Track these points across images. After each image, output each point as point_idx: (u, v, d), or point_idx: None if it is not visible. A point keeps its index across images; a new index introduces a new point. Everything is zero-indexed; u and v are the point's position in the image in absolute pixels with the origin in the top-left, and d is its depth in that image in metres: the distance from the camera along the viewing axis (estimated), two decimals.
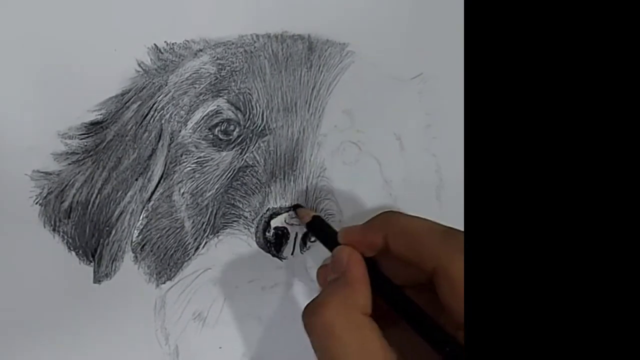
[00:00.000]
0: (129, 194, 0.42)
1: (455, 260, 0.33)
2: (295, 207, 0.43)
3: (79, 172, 0.42)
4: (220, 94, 0.43)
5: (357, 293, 0.36)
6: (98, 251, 0.42)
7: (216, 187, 0.43)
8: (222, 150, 0.43)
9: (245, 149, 0.44)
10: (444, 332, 0.33)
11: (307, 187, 0.44)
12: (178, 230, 0.43)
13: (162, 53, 0.42)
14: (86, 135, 0.41)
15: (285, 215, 0.43)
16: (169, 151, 0.43)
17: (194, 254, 0.43)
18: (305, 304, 0.35)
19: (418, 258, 0.35)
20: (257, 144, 0.44)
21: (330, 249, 0.40)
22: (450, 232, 0.35)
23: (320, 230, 0.41)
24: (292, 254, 0.44)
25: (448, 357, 0.33)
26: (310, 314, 0.35)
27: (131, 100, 0.42)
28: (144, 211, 0.43)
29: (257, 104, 0.43)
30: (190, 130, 0.43)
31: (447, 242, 0.34)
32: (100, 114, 0.42)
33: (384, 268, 0.38)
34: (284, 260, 0.44)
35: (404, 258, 0.36)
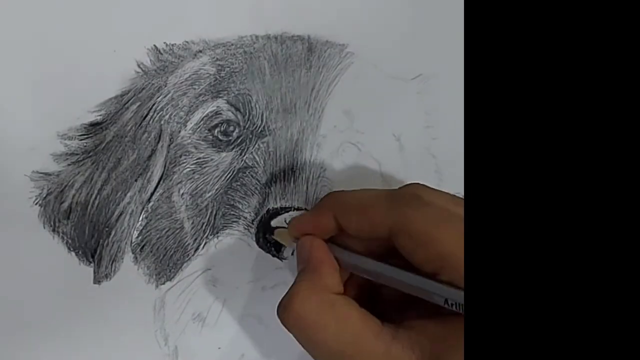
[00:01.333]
0: (129, 194, 0.42)
1: (407, 216, 0.33)
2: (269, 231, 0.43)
3: (78, 173, 0.42)
4: (220, 95, 0.43)
5: (323, 275, 0.36)
6: (98, 252, 0.42)
7: (216, 187, 0.43)
8: (222, 151, 0.43)
9: (245, 149, 0.44)
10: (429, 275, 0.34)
11: (306, 187, 0.44)
12: (178, 231, 0.43)
13: (161, 54, 0.42)
14: (86, 136, 0.41)
15: (285, 215, 0.43)
16: (168, 152, 0.43)
17: (193, 255, 0.44)
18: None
19: (371, 228, 0.35)
20: (256, 145, 0.44)
21: None
22: (394, 194, 0.36)
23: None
24: (292, 254, 0.44)
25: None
26: (283, 309, 0.35)
27: (130, 101, 0.42)
28: (143, 212, 0.43)
29: (257, 105, 0.43)
30: (190, 131, 0.43)
31: (395, 204, 0.34)
32: (100, 115, 0.42)
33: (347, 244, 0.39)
34: (283, 260, 0.44)
35: (359, 233, 0.36)
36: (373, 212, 0.36)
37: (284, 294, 0.36)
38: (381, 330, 0.34)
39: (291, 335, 0.36)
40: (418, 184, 0.37)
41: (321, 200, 0.40)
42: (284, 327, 0.36)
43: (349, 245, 0.39)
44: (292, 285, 0.36)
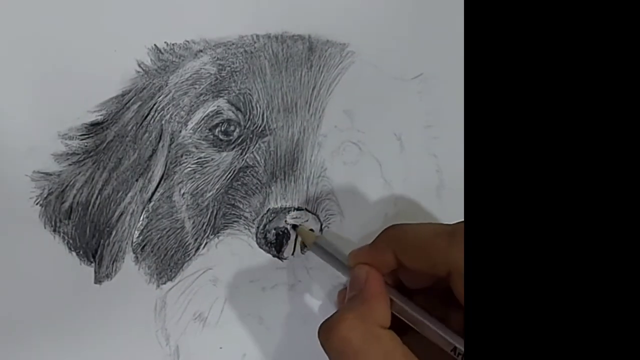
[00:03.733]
0: (130, 194, 0.42)
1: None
2: (294, 227, 0.43)
3: (79, 173, 0.42)
4: (221, 95, 0.43)
5: (375, 308, 0.36)
6: (99, 252, 0.42)
7: (216, 187, 0.43)
8: (223, 151, 0.43)
9: (246, 149, 0.44)
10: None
11: (307, 187, 0.44)
12: (178, 230, 0.43)
13: (162, 53, 0.42)
14: (86, 136, 0.41)
15: (286, 215, 0.43)
16: (169, 152, 0.43)
17: (194, 255, 0.43)
18: (322, 320, 0.36)
19: (431, 267, 0.35)
20: (257, 145, 0.44)
21: (338, 269, 0.40)
22: (456, 231, 0.35)
23: (325, 252, 0.41)
24: (292, 254, 0.44)
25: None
26: (327, 330, 0.35)
27: (131, 101, 0.42)
28: (144, 212, 0.43)
29: (258, 105, 0.43)
30: (191, 131, 0.43)
31: (455, 243, 0.34)
32: (101, 115, 0.42)
33: (402, 277, 0.39)
34: (284, 260, 0.44)
35: (418, 270, 0.36)
36: (433, 250, 0.35)
37: (330, 315, 0.36)
38: None
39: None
40: None
41: (381, 234, 0.39)
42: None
43: (407, 279, 0.39)
44: (340, 310, 0.36)
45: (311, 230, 0.43)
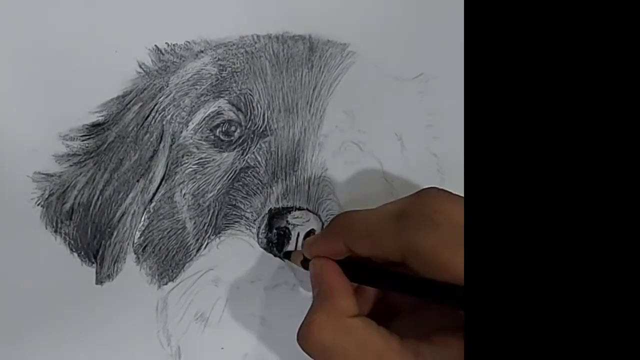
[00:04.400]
0: (131, 195, 0.42)
1: (416, 240, 0.33)
2: (285, 256, 0.43)
3: (80, 174, 0.42)
4: (222, 95, 0.43)
5: (337, 299, 0.36)
6: (100, 252, 0.42)
7: (218, 188, 0.43)
8: (224, 151, 0.44)
9: (247, 149, 0.44)
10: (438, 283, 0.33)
11: (308, 187, 0.44)
12: (180, 231, 0.43)
13: (163, 54, 0.42)
14: (87, 137, 0.42)
15: (287, 215, 0.43)
16: (170, 152, 0.43)
17: (195, 255, 0.43)
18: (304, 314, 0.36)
19: (383, 254, 0.35)
20: (258, 145, 0.44)
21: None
22: (402, 214, 0.35)
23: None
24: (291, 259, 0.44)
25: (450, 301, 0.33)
26: (302, 337, 0.35)
27: (132, 102, 0.42)
28: (145, 212, 0.43)
29: (258, 105, 0.43)
30: (192, 132, 0.43)
31: (404, 226, 0.34)
32: (102, 116, 0.42)
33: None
34: (286, 260, 0.44)
35: (369, 256, 0.36)
36: (382, 237, 0.35)
37: (302, 322, 0.36)
38: (403, 348, 0.34)
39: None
40: (432, 190, 0.36)
41: (331, 223, 0.39)
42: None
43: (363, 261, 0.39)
44: (308, 312, 0.36)
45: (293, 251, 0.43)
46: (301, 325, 0.36)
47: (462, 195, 0.34)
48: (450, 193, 0.35)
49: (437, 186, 0.36)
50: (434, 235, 0.33)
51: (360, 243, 0.36)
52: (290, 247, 0.44)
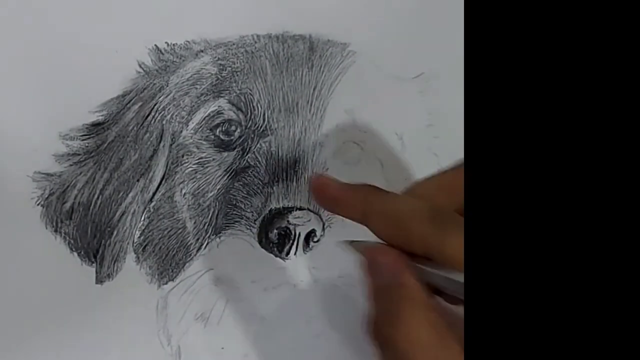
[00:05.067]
0: (131, 194, 0.42)
1: (446, 242, 0.32)
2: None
3: (80, 173, 0.42)
4: (222, 95, 0.43)
5: (422, 293, 0.35)
6: (100, 252, 0.42)
7: (218, 187, 0.43)
8: (224, 151, 0.43)
9: (247, 149, 0.44)
10: None
11: (309, 187, 0.44)
12: (180, 230, 0.43)
13: (163, 54, 0.42)
14: (87, 137, 0.42)
15: (288, 215, 0.43)
16: (170, 152, 0.43)
17: (195, 255, 0.43)
18: (369, 319, 0.34)
19: (404, 242, 0.34)
20: (258, 145, 0.44)
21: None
22: (437, 213, 0.33)
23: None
24: (294, 254, 0.44)
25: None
26: (383, 330, 0.33)
27: (132, 101, 0.42)
28: (145, 212, 0.43)
29: (259, 105, 0.43)
30: (192, 131, 0.43)
31: (436, 225, 0.33)
32: (102, 115, 0.42)
33: None
34: (286, 260, 0.44)
35: (387, 239, 0.35)
36: (412, 229, 0.33)
37: (375, 312, 0.34)
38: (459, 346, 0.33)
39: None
40: None
41: (355, 188, 0.37)
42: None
43: None
44: (386, 304, 0.34)
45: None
46: (378, 319, 0.34)
47: None
48: None
49: None
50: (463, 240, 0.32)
51: (384, 224, 0.35)
52: (291, 247, 0.44)
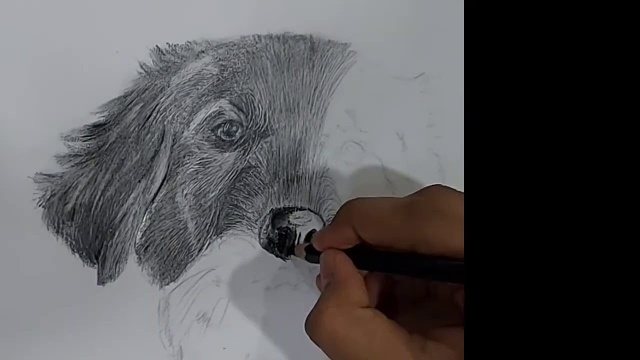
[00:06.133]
0: (132, 195, 0.42)
1: (426, 230, 0.33)
2: (289, 252, 0.43)
3: (82, 174, 0.42)
4: (223, 95, 0.43)
5: (349, 290, 0.36)
6: (102, 253, 0.42)
7: (219, 188, 0.43)
8: (225, 151, 0.44)
9: (248, 149, 0.44)
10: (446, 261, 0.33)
11: (310, 187, 0.44)
12: (181, 231, 0.43)
13: (164, 54, 0.42)
14: (89, 138, 0.42)
15: (289, 215, 0.43)
16: (171, 152, 0.43)
17: (197, 255, 0.44)
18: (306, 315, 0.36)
19: (391, 241, 0.35)
20: (259, 145, 0.44)
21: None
22: (412, 204, 0.35)
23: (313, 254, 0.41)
24: (295, 254, 0.44)
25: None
26: (312, 325, 0.35)
27: (133, 102, 0.42)
28: (147, 213, 0.43)
29: (260, 105, 0.43)
30: (193, 132, 0.43)
31: (412, 216, 0.34)
32: (103, 116, 0.42)
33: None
34: (287, 260, 0.44)
35: (378, 244, 0.36)
36: (392, 225, 0.35)
37: (311, 310, 0.36)
38: (410, 342, 0.34)
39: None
40: (438, 186, 0.37)
41: (339, 211, 0.39)
42: (312, 341, 0.36)
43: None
44: (319, 301, 0.36)
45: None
46: (310, 314, 0.36)
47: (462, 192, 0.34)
48: (454, 189, 0.35)
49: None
50: (443, 225, 0.33)
51: (371, 229, 0.36)
52: (292, 247, 0.44)
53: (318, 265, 0.42)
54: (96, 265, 0.42)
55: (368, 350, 0.34)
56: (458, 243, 0.32)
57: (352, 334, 0.34)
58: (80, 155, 0.42)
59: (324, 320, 0.35)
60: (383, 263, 0.38)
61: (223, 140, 0.43)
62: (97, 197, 0.42)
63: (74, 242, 0.42)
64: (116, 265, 0.42)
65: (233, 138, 0.44)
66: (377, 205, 0.37)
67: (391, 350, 0.34)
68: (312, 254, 0.41)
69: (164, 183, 0.43)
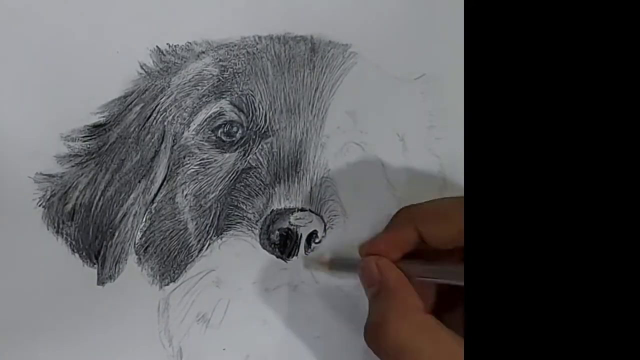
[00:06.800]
0: (132, 196, 0.42)
1: None
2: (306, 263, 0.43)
3: (82, 175, 0.42)
4: (223, 96, 0.43)
5: (406, 297, 0.36)
6: (101, 253, 0.42)
7: (219, 188, 0.43)
8: (225, 152, 0.43)
9: (248, 150, 0.44)
10: None
11: (310, 188, 0.44)
12: (181, 232, 0.43)
13: (164, 55, 0.42)
14: (89, 138, 0.42)
15: (289, 216, 0.43)
16: (171, 153, 0.43)
17: (197, 256, 0.43)
18: (365, 326, 0.36)
19: (457, 234, 0.35)
20: (260, 146, 0.44)
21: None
22: None
23: (342, 264, 0.41)
24: (296, 255, 0.44)
25: None
26: (376, 336, 0.35)
27: (134, 103, 0.42)
28: (147, 213, 0.43)
29: (260, 106, 0.43)
30: (193, 132, 0.43)
31: None
32: (103, 117, 0.42)
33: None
34: (288, 261, 0.44)
35: (443, 242, 0.36)
36: (457, 219, 0.35)
37: (368, 319, 0.36)
38: None
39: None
40: None
41: (396, 216, 0.39)
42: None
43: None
44: (377, 311, 0.36)
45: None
46: (371, 325, 0.36)
47: None
48: None
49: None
50: None
51: (435, 227, 0.36)
52: (293, 248, 0.44)
53: (322, 270, 0.42)
54: (96, 266, 0.42)
55: (435, 357, 0.33)
56: None
57: (417, 343, 0.34)
58: (81, 156, 0.42)
59: (389, 331, 0.34)
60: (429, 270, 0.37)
61: (223, 141, 0.43)
62: (97, 198, 0.42)
63: (73, 242, 0.42)
64: (116, 265, 0.42)
65: (233, 139, 0.44)
66: (438, 203, 0.38)
67: (456, 356, 0.33)
68: (338, 266, 0.41)
69: (164, 183, 0.43)
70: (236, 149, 0.44)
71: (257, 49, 0.44)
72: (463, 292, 0.38)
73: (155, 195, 0.43)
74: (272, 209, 0.43)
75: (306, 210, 0.43)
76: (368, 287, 0.38)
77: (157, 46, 0.42)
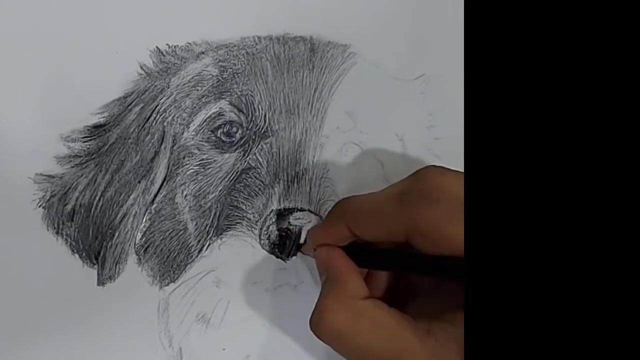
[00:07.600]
0: (132, 196, 0.42)
1: (417, 218, 0.33)
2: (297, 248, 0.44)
3: (82, 175, 0.42)
4: (223, 96, 0.43)
5: (347, 283, 0.36)
6: (101, 254, 0.42)
7: (219, 189, 0.43)
8: (225, 152, 0.44)
9: (248, 150, 0.44)
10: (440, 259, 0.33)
11: (310, 188, 0.44)
12: (181, 232, 0.43)
13: (164, 55, 0.42)
14: (89, 138, 0.42)
15: (289, 216, 0.43)
16: (171, 153, 0.43)
17: (197, 256, 0.44)
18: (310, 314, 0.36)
19: (386, 234, 0.35)
20: (259, 146, 0.44)
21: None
22: (402, 194, 0.35)
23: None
24: (296, 255, 0.44)
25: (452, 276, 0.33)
26: (316, 324, 0.35)
27: (133, 103, 0.42)
28: (147, 213, 0.43)
29: (260, 106, 0.43)
30: (193, 133, 0.43)
31: (406, 203, 0.34)
32: (103, 117, 0.42)
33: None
34: (287, 261, 0.44)
35: (374, 239, 0.36)
36: (384, 217, 0.35)
37: (313, 309, 0.36)
38: (414, 327, 0.34)
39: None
40: (429, 168, 0.36)
41: (332, 209, 0.40)
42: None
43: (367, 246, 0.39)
44: (319, 299, 0.36)
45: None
46: (313, 313, 0.36)
47: (459, 170, 0.34)
48: (447, 169, 0.35)
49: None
50: (434, 210, 0.33)
51: (363, 224, 0.37)
52: (293, 248, 0.44)
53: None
54: (96, 266, 0.42)
55: (373, 340, 0.34)
56: (451, 229, 0.32)
57: (355, 327, 0.34)
58: (80, 156, 0.42)
59: (326, 318, 0.35)
60: (378, 262, 0.38)
61: (223, 142, 0.43)
62: (97, 198, 0.42)
63: (73, 243, 0.42)
64: (116, 266, 0.42)
65: (233, 139, 0.44)
66: (369, 199, 0.37)
67: (396, 336, 0.33)
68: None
69: (164, 184, 0.43)
70: (236, 149, 0.44)
71: (256, 49, 0.44)
72: (418, 281, 0.39)
73: (155, 195, 0.43)
74: (272, 209, 0.43)
75: (305, 210, 0.44)
76: (320, 275, 0.39)
77: (157, 47, 0.42)
